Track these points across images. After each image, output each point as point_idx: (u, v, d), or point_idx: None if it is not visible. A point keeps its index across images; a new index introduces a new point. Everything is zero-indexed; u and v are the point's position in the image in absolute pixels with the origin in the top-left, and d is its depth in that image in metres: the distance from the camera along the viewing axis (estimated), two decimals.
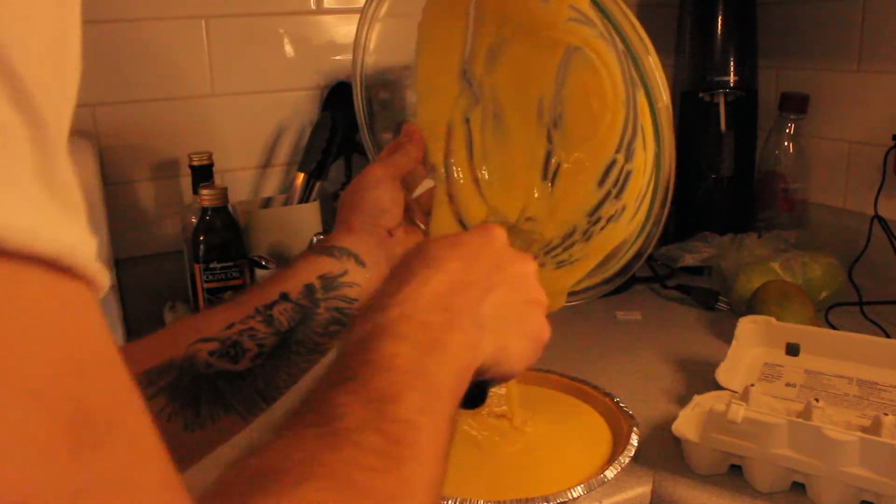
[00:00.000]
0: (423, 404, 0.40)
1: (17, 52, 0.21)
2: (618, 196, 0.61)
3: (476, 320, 0.48)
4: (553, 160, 0.65)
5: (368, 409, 0.38)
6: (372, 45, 0.72)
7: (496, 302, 0.50)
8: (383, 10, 0.70)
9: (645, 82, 0.57)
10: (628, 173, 0.60)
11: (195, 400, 0.56)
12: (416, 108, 0.71)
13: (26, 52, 0.21)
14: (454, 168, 0.69)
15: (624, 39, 0.57)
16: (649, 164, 0.60)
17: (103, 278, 0.23)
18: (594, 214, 0.63)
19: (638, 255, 0.63)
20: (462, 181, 0.69)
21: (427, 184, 0.71)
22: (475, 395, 0.52)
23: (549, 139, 0.64)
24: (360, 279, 0.63)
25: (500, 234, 0.54)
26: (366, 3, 0.70)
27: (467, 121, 0.69)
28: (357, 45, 0.72)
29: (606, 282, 0.66)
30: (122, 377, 0.24)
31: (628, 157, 0.60)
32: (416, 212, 0.69)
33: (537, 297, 0.54)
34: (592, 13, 0.58)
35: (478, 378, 0.50)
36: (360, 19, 0.71)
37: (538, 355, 0.54)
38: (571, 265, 0.65)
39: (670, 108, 0.58)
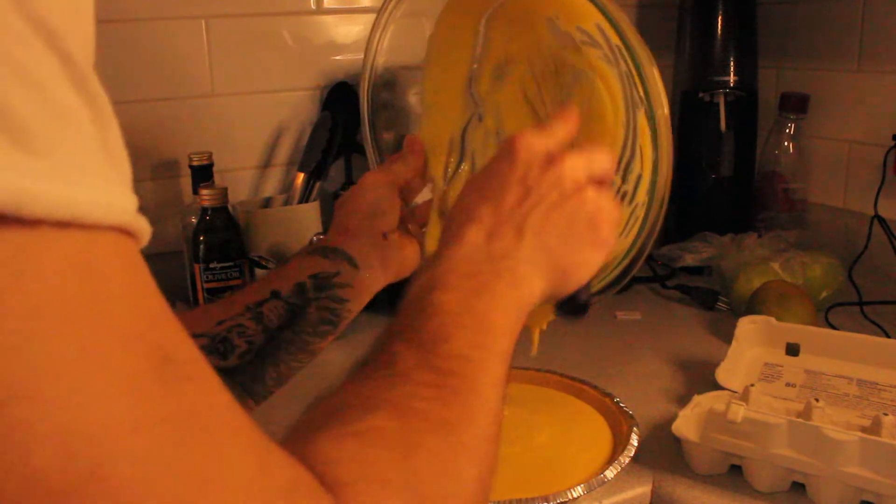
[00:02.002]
0: (474, 340, 0.43)
1: (72, 37, 0.23)
2: None
3: (519, 259, 0.49)
4: None
5: (422, 350, 0.41)
6: (385, 48, 0.72)
7: (535, 231, 0.50)
8: (399, 13, 0.70)
9: (647, 92, 0.57)
10: (625, 193, 0.61)
11: None
12: (421, 120, 0.71)
13: (75, 35, 0.24)
14: (452, 183, 0.70)
15: (630, 49, 0.57)
16: (645, 182, 0.60)
17: (148, 231, 0.27)
18: None
19: (628, 269, 0.63)
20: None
21: (425, 195, 0.71)
22: (576, 305, 0.55)
23: None
24: (352, 280, 0.63)
25: (523, 146, 0.52)
26: (382, 6, 0.70)
27: (469, 137, 0.69)
28: (369, 49, 0.72)
29: (599, 293, 0.66)
30: (182, 325, 0.27)
31: (625, 179, 0.60)
32: (411, 223, 0.70)
33: (580, 192, 0.52)
34: (597, 34, 0.59)
35: (553, 299, 0.53)
36: (374, 23, 0.71)
37: (607, 246, 0.54)
38: None
39: (669, 124, 0.58)
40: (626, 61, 0.58)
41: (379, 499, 0.32)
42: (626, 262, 0.63)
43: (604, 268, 0.64)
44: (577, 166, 0.53)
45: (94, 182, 0.24)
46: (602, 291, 0.65)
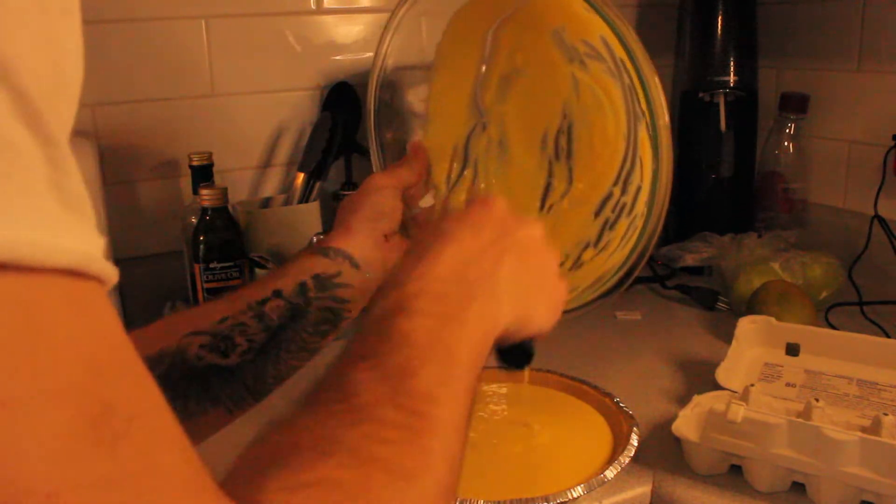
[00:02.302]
0: (441, 377, 0.41)
1: (26, 73, 0.22)
2: (612, 227, 0.63)
3: (492, 288, 0.48)
4: (552, 191, 0.66)
5: (386, 384, 0.39)
6: (394, 50, 0.73)
7: (510, 268, 0.50)
8: (411, 15, 0.71)
9: (650, 105, 0.58)
10: (624, 205, 0.62)
11: (184, 392, 0.57)
12: (426, 126, 0.72)
13: (34, 72, 0.23)
14: (455, 190, 0.70)
15: (634, 61, 0.58)
16: (644, 193, 0.61)
17: (113, 274, 0.25)
18: (588, 244, 0.65)
19: (625, 278, 0.64)
20: (460, 204, 0.70)
21: (427, 201, 0.72)
22: (519, 355, 0.55)
23: (550, 171, 0.66)
24: (353, 280, 0.64)
25: (500, 204, 0.54)
26: (395, 7, 0.71)
27: (472, 145, 0.70)
28: (379, 51, 0.73)
29: (592, 301, 0.67)
30: (139, 370, 0.25)
31: (624, 190, 0.61)
32: (412, 229, 0.70)
33: (547, 260, 0.54)
34: (602, 47, 0.60)
35: (506, 342, 0.52)
36: (386, 24, 0.72)
37: (559, 314, 0.55)
38: None
39: (669, 131, 0.59)
40: (629, 74, 0.59)
41: None
42: (623, 271, 0.64)
43: (601, 276, 0.64)
44: (546, 239, 0.55)
45: (40, 223, 0.22)
46: (601, 297, 0.65)
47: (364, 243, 0.65)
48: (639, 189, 0.61)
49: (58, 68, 0.24)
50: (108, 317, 0.25)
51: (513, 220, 0.53)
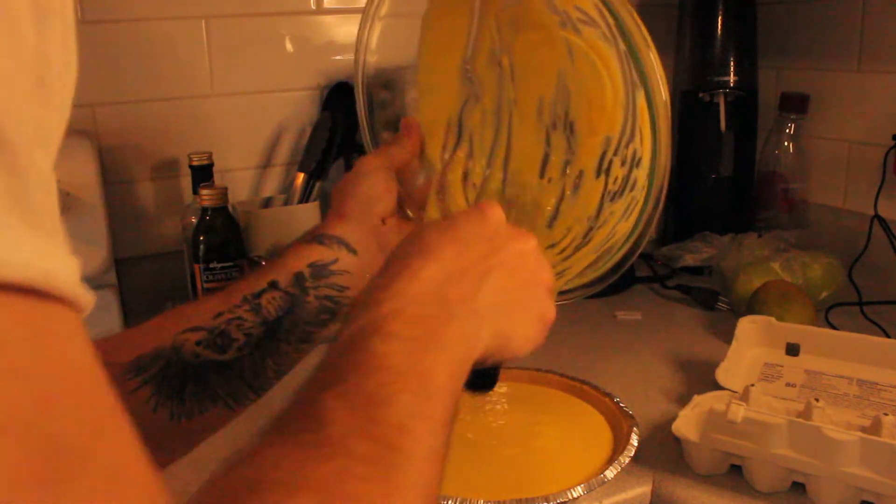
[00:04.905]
0: (417, 406, 0.39)
1: None
2: (612, 200, 0.61)
3: (473, 310, 0.46)
4: (550, 162, 0.64)
5: (358, 414, 0.37)
6: (374, 44, 0.72)
7: (494, 288, 0.48)
8: (384, 8, 0.70)
9: (645, 78, 0.56)
10: (625, 177, 0.60)
11: (180, 390, 0.55)
12: (418, 102, 0.70)
13: None
14: (451, 165, 0.69)
15: (625, 33, 0.56)
16: (645, 166, 0.59)
17: (85, 299, 0.22)
18: (590, 217, 0.63)
19: (629, 255, 0.63)
20: (457, 179, 0.69)
21: (423, 179, 0.70)
22: (484, 380, 0.52)
23: (548, 140, 0.64)
24: (351, 267, 0.62)
25: (495, 213, 0.52)
26: (368, 1, 0.70)
27: (466, 118, 0.68)
28: (359, 43, 0.71)
29: (597, 281, 0.65)
30: (102, 404, 0.23)
31: (624, 161, 0.59)
32: (410, 207, 0.69)
33: (538, 277, 0.52)
34: (595, 13, 0.58)
35: (481, 365, 0.49)
36: (362, 18, 0.70)
37: (544, 336, 0.53)
38: (562, 272, 0.64)
39: (668, 106, 0.58)
40: (625, 41, 0.57)
41: None
42: (627, 248, 0.62)
43: (604, 254, 0.63)
44: (540, 253, 0.53)
45: None
46: (602, 279, 0.64)
47: (359, 228, 0.63)
48: (639, 161, 0.59)
49: (30, 69, 0.22)
50: (71, 344, 0.22)
51: (504, 234, 0.51)
